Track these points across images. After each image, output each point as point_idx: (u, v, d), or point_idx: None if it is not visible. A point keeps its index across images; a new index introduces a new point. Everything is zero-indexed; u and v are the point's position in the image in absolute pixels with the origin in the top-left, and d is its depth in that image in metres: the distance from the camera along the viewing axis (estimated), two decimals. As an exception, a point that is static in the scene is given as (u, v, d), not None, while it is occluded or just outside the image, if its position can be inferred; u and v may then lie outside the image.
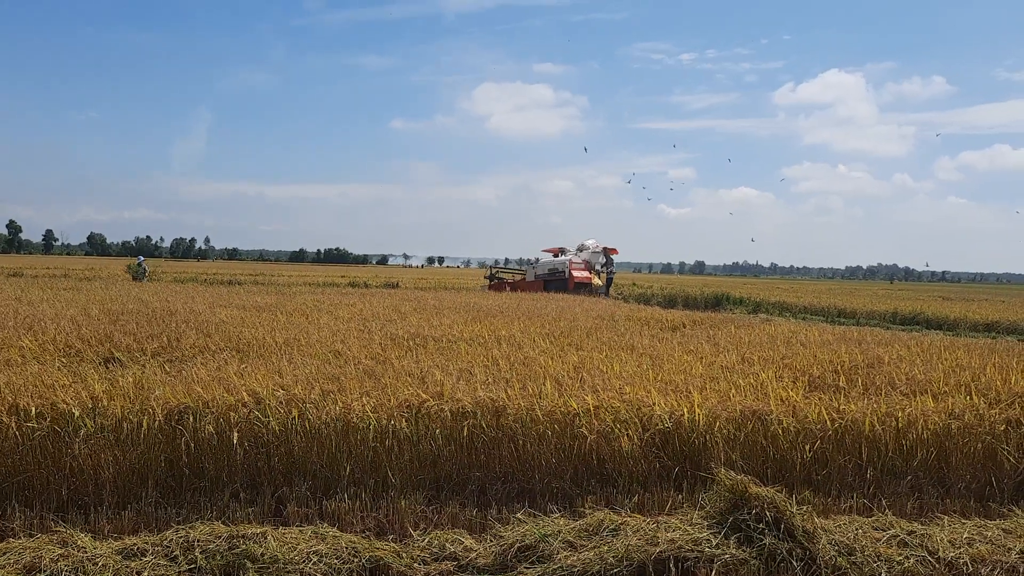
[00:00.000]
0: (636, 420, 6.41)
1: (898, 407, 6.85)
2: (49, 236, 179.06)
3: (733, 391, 7.38)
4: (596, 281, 34.98)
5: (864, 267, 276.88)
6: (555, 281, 33.72)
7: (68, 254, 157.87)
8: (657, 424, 6.40)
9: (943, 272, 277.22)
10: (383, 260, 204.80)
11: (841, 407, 6.84)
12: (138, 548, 4.59)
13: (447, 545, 4.81)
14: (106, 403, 6.16)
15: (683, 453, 6.35)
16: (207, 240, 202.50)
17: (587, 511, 5.31)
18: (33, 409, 5.91)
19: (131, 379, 6.98)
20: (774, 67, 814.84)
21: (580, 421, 6.35)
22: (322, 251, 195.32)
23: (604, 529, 4.90)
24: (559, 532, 4.85)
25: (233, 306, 16.50)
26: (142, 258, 36.65)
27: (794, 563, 4.52)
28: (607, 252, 36.50)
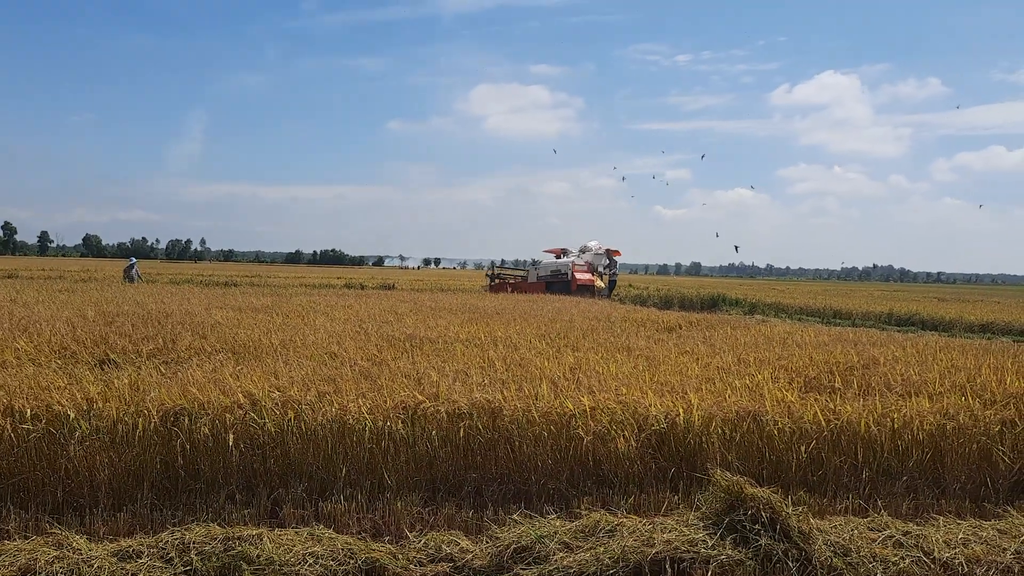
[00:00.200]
0: (632, 421, 6.41)
1: (893, 408, 6.87)
2: (44, 238, 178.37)
3: (729, 392, 7.39)
4: (599, 283, 34.97)
5: (860, 268, 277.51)
6: (557, 283, 33.71)
7: (63, 256, 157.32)
8: (653, 425, 6.40)
9: (938, 273, 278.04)
10: (379, 261, 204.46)
11: (837, 408, 6.85)
12: (133, 550, 4.58)
13: (443, 546, 4.81)
14: (101, 405, 6.14)
15: (679, 454, 6.35)
16: (203, 242, 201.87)
17: (583, 512, 5.31)
18: (28, 411, 5.90)
19: (126, 381, 6.97)
20: (770, 68, 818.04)
21: (576, 422, 6.35)
22: (318, 252, 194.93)
23: (600, 530, 4.90)
24: (555, 533, 4.85)
25: (229, 308, 16.48)
26: (134, 259, 36.43)
27: (790, 564, 4.53)
28: (610, 254, 36.44)
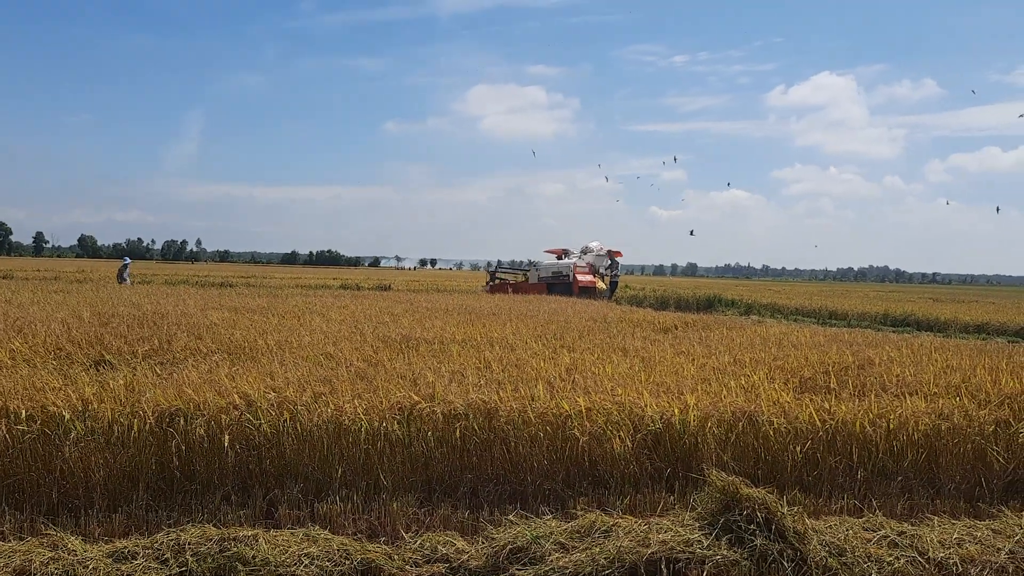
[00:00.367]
0: (628, 422, 6.42)
1: (889, 408, 6.88)
2: (40, 238, 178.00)
3: (724, 392, 7.40)
4: (600, 285, 34.76)
5: (855, 269, 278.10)
6: (559, 284, 33.49)
7: (59, 256, 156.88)
8: (649, 426, 6.41)
9: (933, 274, 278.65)
10: (375, 262, 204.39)
11: (832, 408, 6.87)
12: (128, 551, 4.57)
13: (439, 547, 4.81)
14: (96, 406, 6.13)
15: (675, 454, 6.36)
16: (199, 242, 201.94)
17: (579, 513, 5.31)
18: (23, 412, 5.88)
19: (122, 382, 6.95)
20: (766, 69, 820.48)
21: (572, 423, 6.36)
22: (314, 253, 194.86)
23: (596, 531, 4.91)
24: (551, 534, 4.86)
25: (224, 308, 16.44)
26: (128, 260, 36.29)
27: (785, 564, 4.54)
28: (611, 255, 36.24)
